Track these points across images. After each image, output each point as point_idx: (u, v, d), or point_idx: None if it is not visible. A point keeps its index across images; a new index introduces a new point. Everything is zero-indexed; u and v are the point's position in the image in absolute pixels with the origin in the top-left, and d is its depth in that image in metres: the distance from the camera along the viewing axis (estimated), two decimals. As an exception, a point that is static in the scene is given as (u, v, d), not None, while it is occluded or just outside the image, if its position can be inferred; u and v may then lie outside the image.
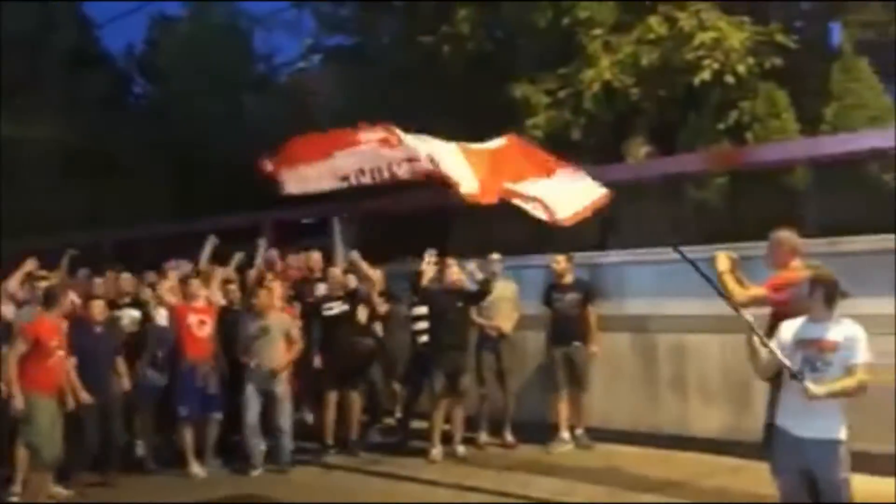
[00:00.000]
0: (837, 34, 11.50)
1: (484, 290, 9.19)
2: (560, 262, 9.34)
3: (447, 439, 9.25)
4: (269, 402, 9.01)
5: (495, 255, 9.72)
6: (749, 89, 10.39)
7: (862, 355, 4.90)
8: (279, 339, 9.03)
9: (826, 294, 4.98)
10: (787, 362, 4.95)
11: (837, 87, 9.98)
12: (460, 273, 9.27)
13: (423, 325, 9.49)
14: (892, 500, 6.38)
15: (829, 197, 9.53)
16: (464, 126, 12.93)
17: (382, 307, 9.91)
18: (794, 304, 5.52)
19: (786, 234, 6.30)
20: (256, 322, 9.04)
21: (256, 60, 20.31)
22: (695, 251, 8.97)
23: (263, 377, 8.93)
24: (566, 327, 9.23)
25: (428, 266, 9.25)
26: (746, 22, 10.38)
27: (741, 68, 10.16)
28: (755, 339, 5.17)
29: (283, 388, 9.04)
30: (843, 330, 4.94)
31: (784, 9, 11.66)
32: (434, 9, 12.65)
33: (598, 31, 11.02)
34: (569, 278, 9.36)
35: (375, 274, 9.93)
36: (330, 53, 17.06)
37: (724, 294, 5.87)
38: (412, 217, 12.26)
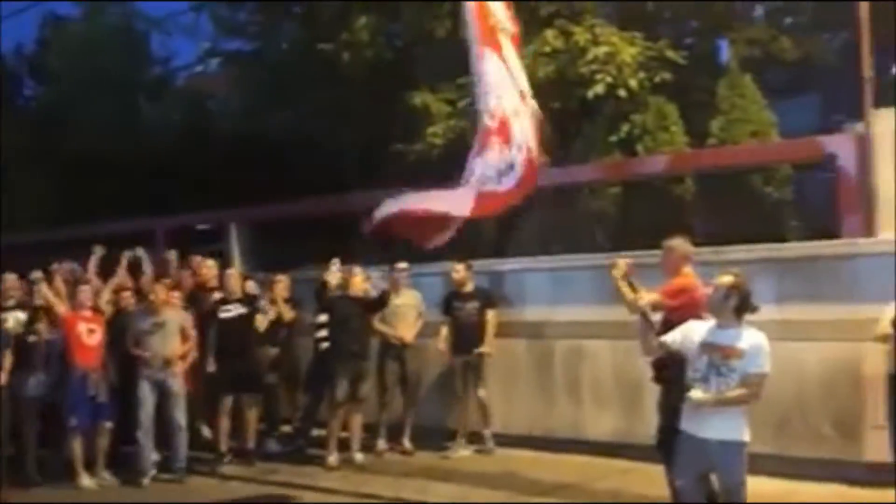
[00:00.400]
0: (725, 51, 11.96)
1: (384, 299, 9.23)
2: (460, 270, 9.44)
3: (345, 447, 9.22)
4: (163, 399, 8.82)
5: (402, 264, 9.78)
6: (640, 103, 10.69)
7: (762, 366, 5.07)
8: (175, 333, 8.94)
9: (740, 302, 5.13)
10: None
11: (724, 102, 10.37)
12: (364, 282, 9.29)
13: (325, 332, 9.46)
14: (776, 501, 6.67)
15: (715, 207, 9.88)
16: (363, 132, 13.01)
17: (289, 314, 9.84)
18: (691, 308, 5.74)
19: (678, 242, 6.53)
20: (151, 318, 8.89)
21: (152, 63, 19.85)
22: (589, 259, 9.29)
23: (158, 367, 8.75)
24: (467, 335, 9.32)
25: (333, 274, 9.24)
26: (638, 38, 10.68)
27: (633, 82, 10.44)
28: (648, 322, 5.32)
29: (178, 383, 8.88)
30: (749, 338, 5.09)
31: (674, 26, 12.05)
32: (333, 15, 12.61)
33: (496, 42, 11.13)
34: (469, 286, 9.47)
35: (282, 280, 9.89)
36: (228, 57, 16.82)
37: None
38: (311, 223, 12.18)
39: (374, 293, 9.29)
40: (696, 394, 4.99)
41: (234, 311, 9.34)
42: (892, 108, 8.10)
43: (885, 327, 6.80)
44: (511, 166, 7.20)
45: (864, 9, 8.17)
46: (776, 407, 7.21)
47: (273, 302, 9.81)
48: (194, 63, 19.50)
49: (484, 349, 9.29)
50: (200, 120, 16.86)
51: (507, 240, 11.31)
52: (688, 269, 6.45)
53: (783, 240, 9.13)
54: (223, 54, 17.08)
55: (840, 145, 8.48)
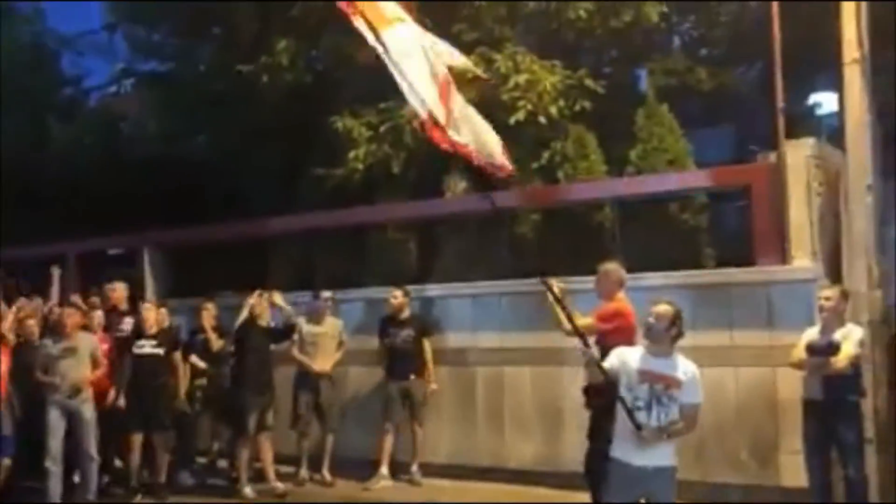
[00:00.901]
0: (643, 81, 12.20)
1: (288, 329, 9.16)
2: (398, 296, 9.41)
3: (263, 477, 9.04)
4: (73, 426, 8.47)
5: (326, 293, 9.68)
6: (561, 130, 10.82)
7: (698, 396, 5.14)
8: (86, 359, 8.61)
9: (678, 331, 5.18)
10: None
11: (642, 131, 10.55)
12: (266, 310, 9.19)
13: (233, 361, 9.32)
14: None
15: (633, 234, 10.02)
16: (283, 156, 12.85)
17: (216, 343, 9.59)
18: (624, 333, 5.78)
19: (613, 267, 6.60)
20: (61, 343, 8.56)
21: (64, 83, 19.33)
22: (511, 285, 9.32)
23: (68, 393, 8.42)
24: (402, 362, 9.25)
25: (248, 302, 9.12)
26: (558, 66, 10.82)
27: (553, 110, 10.56)
28: (591, 356, 5.31)
29: (89, 410, 8.55)
30: (685, 368, 5.17)
31: (594, 55, 12.26)
32: (253, 38, 12.48)
33: (418, 67, 11.15)
34: (405, 313, 9.41)
35: (209, 308, 9.69)
36: (143, 78, 16.49)
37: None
38: (228, 248, 11.96)
39: (274, 323, 9.28)
40: (647, 431, 5.02)
41: (146, 347, 9.05)
42: (805, 138, 8.35)
43: (800, 353, 6.95)
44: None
45: (776, 41, 8.42)
46: (695, 433, 7.29)
47: (201, 330, 9.62)
48: (108, 84, 19.07)
49: (431, 385, 9.25)
50: (114, 142, 16.44)
51: (429, 265, 11.28)
52: (621, 294, 6.52)
53: (699, 266, 9.31)
54: (138, 75, 16.75)
55: (754, 175, 8.69)
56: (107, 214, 13.22)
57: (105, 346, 9.10)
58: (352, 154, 11.37)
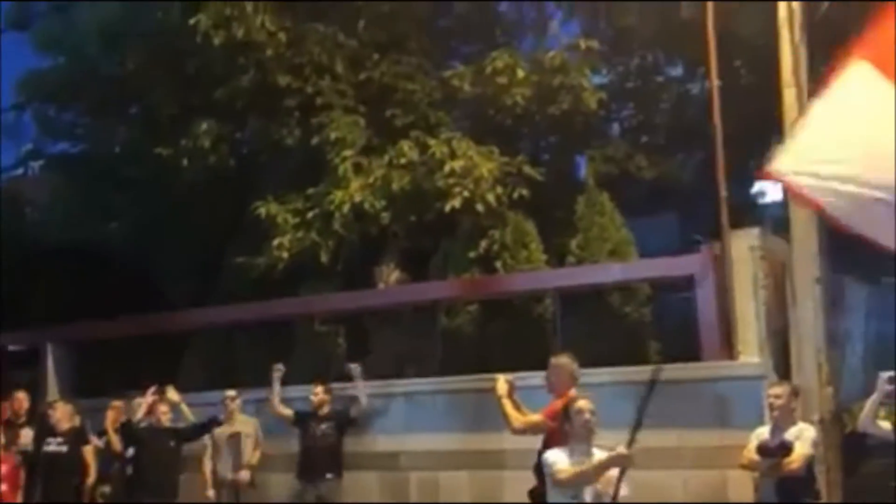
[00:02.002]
0: (583, 168, 12.42)
1: (204, 427, 8.95)
2: (318, 392, 9.27)
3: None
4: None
5: (231, 392, 9.50)
6: (498, 218, 10.91)
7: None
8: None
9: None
10: None
11: (582, 220, 10.70)
12: (168, 412, 8.96)
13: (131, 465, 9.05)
14: None
15: (574, 327, 10.05)
16: (203, 244, 12.70)
17: (119, 445, 9.28)
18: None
19: (565, 361, 6.54)
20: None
21: (-34, 165, 18.93)
22: (446, 382, 9.23)
23: None
24: (319, 460, 9.05)
25: (144, 400, 8.88)
26: (496, 152, 10.97)
27: (490, 197, 10.66)
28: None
29: None
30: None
31: (532, 141, 12.48)
32: (173, 119, 12.44)
33: (348, 153, 11.23)
34: (325, 409, 9.27)
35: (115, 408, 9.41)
36: (52, 160, 16.26)
37: None
38: (142, 342, 11.68)
39: (179, 423, 9.09)
40: None
41: (54, 445, 8.74)
42: (750, 228, 8.53)
43: (750, 454, 6.94)
44: None
45: (718, 129, 8.66)
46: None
47: (105, 431, 9.34)
48: (13, 166, 18.72)
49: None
50: (18, 228, 16.07)
51: (357, 361, 11.14)
52: (573, 391, 6.46)
53: (644, 361, 9.33)
54: (46, 157, 16.51)
55: (698, 266, 8.83)
56: (9, 308, 12.84)
57: (4, 468, 8.78)
58: (276, 242, 11.28)
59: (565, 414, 5.37)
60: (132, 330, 11.72)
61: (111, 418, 9.39)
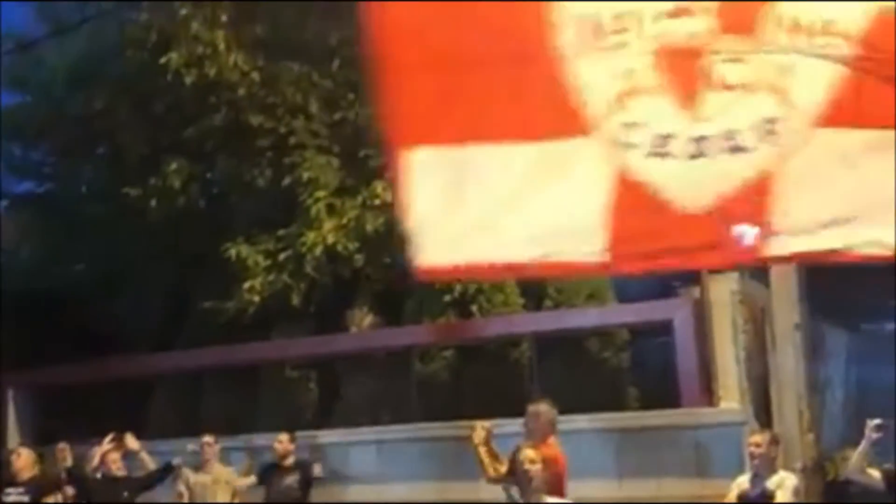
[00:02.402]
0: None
1: (156, 478, 8.79)
2: (283, 441, 9.09)
3: None
4: None
5: (208, 437, 9.32)
6: (475, 261, 10.88)
7: None
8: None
9: None
10: None
11: (559, 262, 10.70)
12: (118, 460, 8.75)
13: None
14: None
15: (552, 372, 10.02)
16: (171, 286, 12.60)
17: (68, 494, 9.05)
18: (556, 482, 5.64)
19: (544, 408, 6.47)
20: None
21: (-75, 204, 18.75)
22: (420, 429, 9.15)
23: None
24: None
25: (99, 447, 8.67)
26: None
27: (467, 239, 10.63)
28: None
29: None
30: None
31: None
32: (142, 159, 12.39)
33: (321, 193, 11.21)
34: (290, 459, 9.10)
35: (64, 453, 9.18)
36: (17, 200, 16.12)
37: None
38: (107, 387, 11.52)
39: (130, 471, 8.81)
40: None
41: (15, 496, 8.52)
42: (729, 273, 8.57)
43: (731, 502, 6.91)
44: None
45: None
46: None
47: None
48: (-24, 205, 18.58)
49: None
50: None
51: (330, 407, 11.03)
52: (552, 439, 6.41)
53: (623, 408, 9.33)
54: (11, 197, 16.37)
55: (676, 311, 8.86)
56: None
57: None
58: (247, 285, 11.20)
59: (511, 461, 5.29)
60: (95, 375, 11.57)
61: (61, 463, 9.19)
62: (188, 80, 11.33)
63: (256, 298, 11.20)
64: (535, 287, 10.89)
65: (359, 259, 11.13)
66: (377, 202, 11.07)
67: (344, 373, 11.33)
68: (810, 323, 8.40)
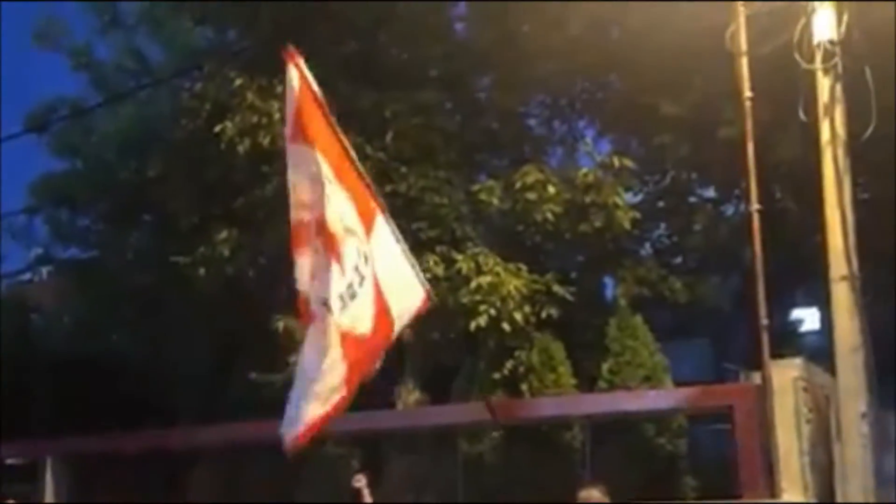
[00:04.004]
0: (612, 288, 12.48)
1: None
2: None
3: None
4: None
5: None
6: (525, 338, 10.91)
7: None
8: None
9: None
10: None
11: (614, 343, 10.68)
12: None
13: None
14: None
15: (604, 457, 9.93)
16: (214, 357, 12.73)
17: None
18: None
19: (596, 494, 6.44)
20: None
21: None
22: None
23: None
24: None
25: None
26: (523, 269, 11.04)
27: (518, 316, 10.68)
28: None
29: None
30: None
31: (561, 259, 12.56)
32: (191, 227, 12.63)
33: (370, 266, 11.31)
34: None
35: None
36: (61, 266, 16.47)
37: None
38: (145, 459, 11.59)
39: None
40: None
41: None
42: (792, 358, 8.49)
43: None
44: (352, 294, 5.42)
45: (758, 255, 8.68)
46: None
47: None
48: (22, 270, 18.96)
49: None
50: (22, 336, 16.17)
51: (372, 486, 10.97)
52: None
53: (679, 497, 9.19)
54: (56, 262, 16.73)
55: (737, 396, 8.76)
56: (8, 417, 12.83)
57: None
58: (292, 358, 11.27)
59: None
60: (136, 445, 11.64)
61: None
62: (241, 149, 11.59)
63: (301, 372, 11.25)
64: (588, 367, 10.86)
65: (407, 334, 11.15)
66: (427, 276, 11.11)
67: (388, 451, 11.30)
68: (878, 412, 8.25)
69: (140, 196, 13.84)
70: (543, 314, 10.96)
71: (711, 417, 10.12)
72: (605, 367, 10.57)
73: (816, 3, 7.77)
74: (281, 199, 12.13)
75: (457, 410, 10.73)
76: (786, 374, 8.31)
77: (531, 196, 11.23)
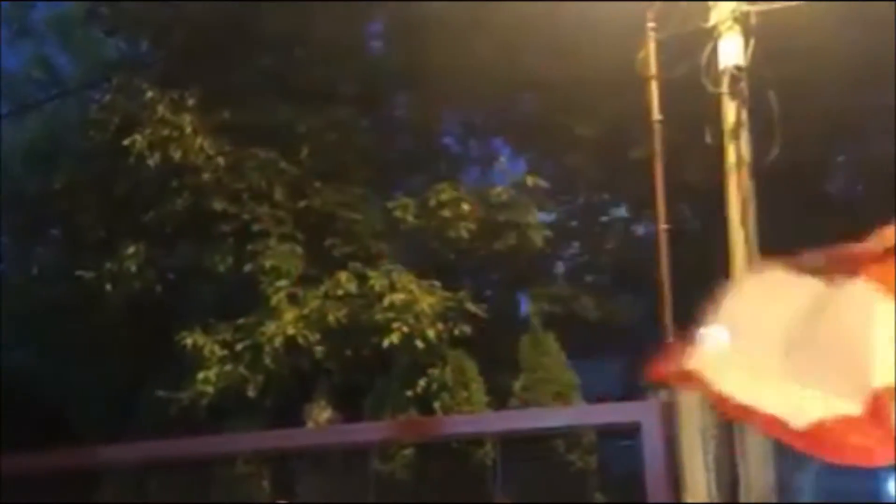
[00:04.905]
0: (526, 306, 12.60)
1: None
2: None
3: None
4: None
5: None
6: (438, 356, 10.94)
7: None
8: None
9: None
10: None
11: (526, 360, 10.77)
12: None
13: None
14: None
15: (516, 474, 9.97)
16: (122, 374, 12.46)
17: None
18: None
19: None
20: None
21: None
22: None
23: None
24: None
25: None
26: (437, 287, 11.09)
27: (431, 333, 10.72)
28: None
29: None
30: None
31: (475, 277, 12.65)
32: (98, 242, 12.38)
33: (283, 283, 11.24)
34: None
35: None
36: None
37: None
38: (49, 480, 11.25)
39: None
40: None
41: None
42: (698, 375, 8.64)
43: None
44: None
45: (665, 274, 8.88)
46: None
47: None
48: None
49: None
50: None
51: (282, 506, 10.87)
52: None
53: (589, 513, 9.29)
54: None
55: (644, 413, 8.87)
56: None
57: None
58: (201, 375, 11.12)
59: None
60: (37, 465, 11.29)
61: None
62: (151, 162, 11.43)
63: (210, 389, 11.12)
64: (500, 385, 10.92)
65: (319, 351, 11.12)
66: (340, 293, 11.13)
67: (299, 470, 11.19)
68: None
69: (46, 209, 13.52)
70: (457, 332, 11.01)
71: (621, 434, 10.25)
72: (517, 384, 10.66)
73: (723, 29, 8.02)
74: (191, 214, 12.09)
75: (369, 429, 10.66)
76: (692, 392, 8.46)
77: (446, 214, 11.31)
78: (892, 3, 9.75)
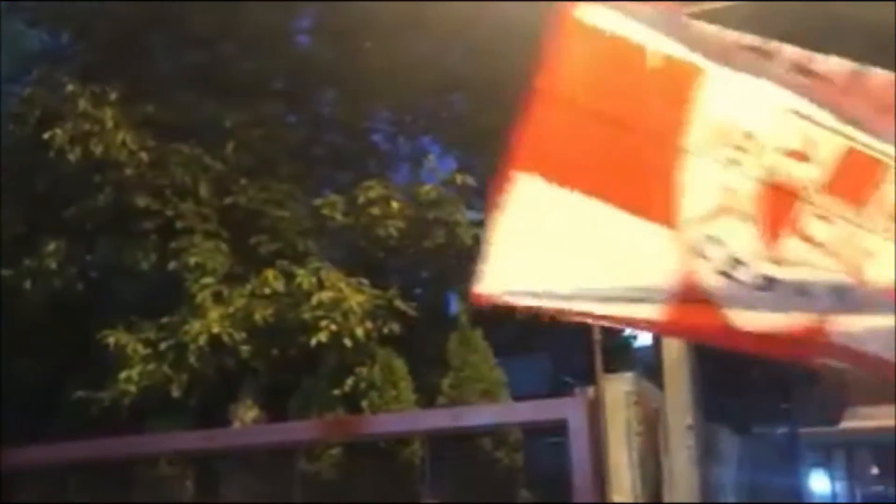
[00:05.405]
0: (454, 304, 12.63)
1: None
2: None
3: None
4: None
5: None
6: (367, 355, 10.92)
7: None
8: None
9: None
10: None
11: (454, 358, 10.81)
12: None
13: None
14: None
15: (444, 473, 10.01)
16: (39, 374, 12.19)
17: None
18: None
19: None
20: None
21: None
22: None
23: None
24: None
25: None
26: (366, 285, 11.06)
27: (359, 332, 10.69)
28: None
29: None
30: None
31: (404, 275, 12.65)
32: (17, 238, 12.10)
33: (208, 280, 11.11)
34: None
35: None
36: None
37: None
38: None
39: None
40: None
41: None
42: (624, 373, 8.78)
43: None
44: None
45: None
46: None
47: None
48: None
49: None
50: None
51: (207, 507, 10.75)
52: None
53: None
54: None
55: (570, 410, 8.98)
56: None
57: None
58: (123, 374, 10.93)
59: None
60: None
61: None
62: (72, 157, 11.19)
63: (133, 389, 10.93)
64: (429, 383, 10.94)
65: (245, 350, 11.02)
66: (267, 291, 11.03)
67: (224, 470, 11.09)
68: (703, 426, 8.62)
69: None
70: (386, 330, 11.00)
71: (548, 431, 10.35)
72: (445, 382, 10.68)
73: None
74: (114, 210, 11.89)
75: (295, 428, 10.61)
76: (618, 389, 8.59)
77: (374, 211, 11.29)
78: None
